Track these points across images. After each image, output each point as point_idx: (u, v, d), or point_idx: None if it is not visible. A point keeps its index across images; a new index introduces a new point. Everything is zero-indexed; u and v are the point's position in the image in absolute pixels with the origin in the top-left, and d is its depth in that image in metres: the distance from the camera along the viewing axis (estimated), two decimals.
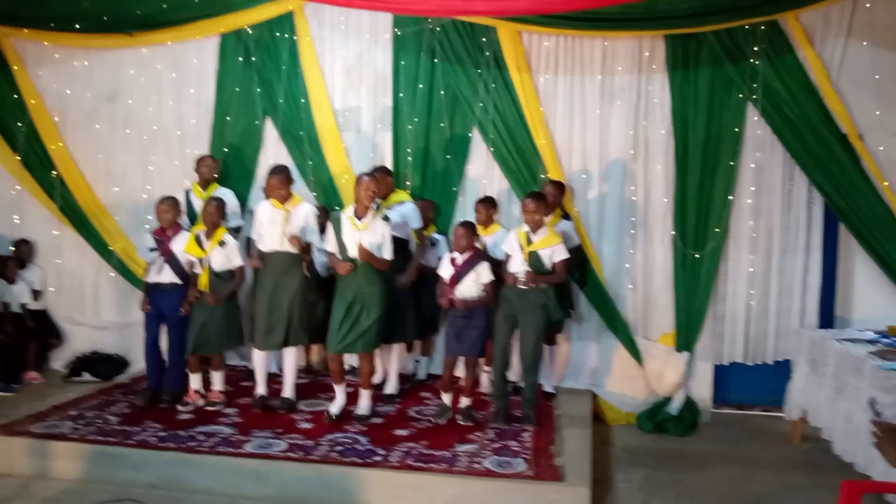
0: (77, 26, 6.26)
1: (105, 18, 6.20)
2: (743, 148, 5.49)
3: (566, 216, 5.47)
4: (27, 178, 6.56)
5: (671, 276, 5.61)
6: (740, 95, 5.41)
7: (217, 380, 5.16)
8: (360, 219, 4.65)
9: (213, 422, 4.73)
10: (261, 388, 5.11)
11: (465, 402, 4.83)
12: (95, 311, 6.71)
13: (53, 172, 6.48)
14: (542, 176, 5.64)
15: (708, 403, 5.69)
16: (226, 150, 6.26)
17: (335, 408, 4.82)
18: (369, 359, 4.77)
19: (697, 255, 5.50)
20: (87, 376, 6.33)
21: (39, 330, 6.55)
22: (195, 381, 5.14)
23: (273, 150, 6.25)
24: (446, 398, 4.86)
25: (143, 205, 6.35)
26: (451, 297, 4.66)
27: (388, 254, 4.68)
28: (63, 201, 6.51)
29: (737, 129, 5.44)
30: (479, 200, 5.25)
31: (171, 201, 5.14)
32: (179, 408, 4.97)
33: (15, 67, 6.53)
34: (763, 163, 5.54)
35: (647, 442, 5.26)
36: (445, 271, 4.76)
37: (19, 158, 6.48)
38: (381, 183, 5.02)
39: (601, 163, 5.73)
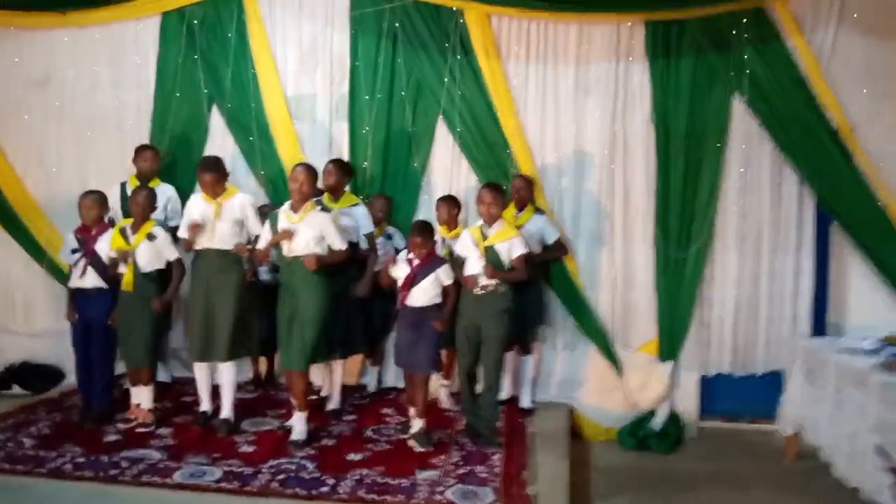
0: (4, 3, 5.66)
1: None
2: (729, 142, 5.09)
3: (539, 211, 5.05)
4: None
5: (653, 278, 5.19)
6: (725, 87, 5.03)
7: (145, 397, 4.58)
8: (295, 212, 4.17)
9: (142, 445, 4.18)
10: (204, 405, 4.59)
11: (417, 424, 4.27)
12: (27, 318, 6.12)
13: None
14: (513, 170, 5.21)
15: (693, 416, 5.28)
16: (168, 140, 5.71)
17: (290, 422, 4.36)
18: (299, 376, 4.22)
19: (681, 257, 5.10)
20: (16, 389, 5.77)
21: None
22: (136, 394, 4.61)
23: (219, 141, 5.72)
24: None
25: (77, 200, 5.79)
26: (404, 302, 4.20)
27: (337, 244, 4.21)
28: None
29: (722, 122, 5.05)
30: (440, 199, 4.82)
31: (95, 196, 4.61)
32: (119, 425, 4.46)
33: None
34: (751, 158, 5.14)
35: (628, 461, 4.84)
36: (401, 271, 4.27)
37: None
38: (332, 174, 4.65)
39: (576, 156, 5.30)
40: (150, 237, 4.43)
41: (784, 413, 4.67)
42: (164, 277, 4.57)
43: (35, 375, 5.82)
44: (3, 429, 4.42)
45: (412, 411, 4.33)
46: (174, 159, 5.68)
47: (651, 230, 5.19)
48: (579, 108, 5.27)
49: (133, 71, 5.81)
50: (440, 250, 4.68)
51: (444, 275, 4.21)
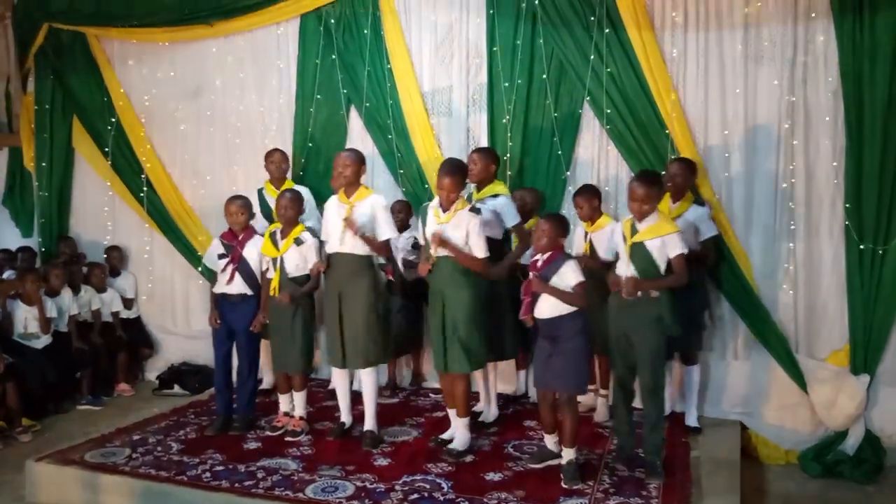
0: (159, 20, 6.03)
1: (185, 10, 5.93)
2: None
3: (699, 202, 4.45)
4: (117, 182, 6.46)
5: (843, 277, 4.43)
6: None
7: (299, 403, 4.50)
8: (444, 210, 3.91)
9: (279, 453, 4.10)
10: (344, 416, 4.45)
11: (567, 454, 3.66)
12: (186, 320, 6.43)
13: (141, 175, 6.28)
14: (671, 156, 4.64)
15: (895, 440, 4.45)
16: (309, 144, 5.72)
17: (446, 434, 4.17)
18: (462, 380, 3.98)
19: (880, 251, 4.29)
20: (177, 389, 6.06)
21: (131, 339, 6.32)
22: (284, 402, 4.57)
23: (358, 143, 5.61)
24: (550, 441, 3.85)
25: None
26: (527, 313, 3.67)
27: (479, 250, 3.87)
28: (150, 205, 6.29)
29: None
30: (577, 192, 4.35)
31: (242, 201, 4.56)
32: (268, 433, 4.43)
33: (104, 69, 6.38)
34: None
35: (814, 490, 4.15)
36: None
37: (109, 162, 6.38)
38: (477, 163, 4.31)
39: (747, 136, 4.63)
40: (298, 242, 4.33)
41: None
42: None
43: (192, 376, 6.11)
44: (154, 431, 4.52)
45: (548, 439, 3.84)
46: (312, 164, 5.70)
47: (840, 220, 4.44)
48: (750, 80, 4.60)
49: (276, 76, 5.88)
50: (580, 246, 4.26)
51: (569, 273, 3.55)
